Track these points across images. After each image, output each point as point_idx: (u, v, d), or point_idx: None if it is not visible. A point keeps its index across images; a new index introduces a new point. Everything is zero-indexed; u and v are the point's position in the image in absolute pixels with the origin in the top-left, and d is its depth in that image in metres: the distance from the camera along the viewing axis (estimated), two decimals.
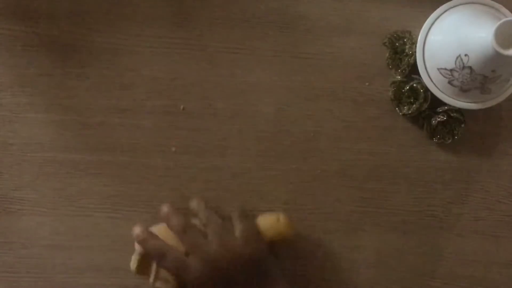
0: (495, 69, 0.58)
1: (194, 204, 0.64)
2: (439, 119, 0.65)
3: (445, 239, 0.68)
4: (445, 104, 0.64)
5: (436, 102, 0.65)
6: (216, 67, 0.66)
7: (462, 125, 0.66)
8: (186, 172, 0.66)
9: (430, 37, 0.63)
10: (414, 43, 0.64)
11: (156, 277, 0.62)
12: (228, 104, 0.66)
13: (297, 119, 0.66)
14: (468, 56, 0.58)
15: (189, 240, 0.61)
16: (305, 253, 0.67)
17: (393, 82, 0.66)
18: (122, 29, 0.65)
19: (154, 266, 0.62)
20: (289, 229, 0.64)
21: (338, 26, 0.66)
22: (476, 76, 0.59)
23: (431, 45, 0.63)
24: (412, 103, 0.65)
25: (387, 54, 0.66)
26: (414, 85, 0.65)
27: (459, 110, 0.65)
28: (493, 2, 0.63)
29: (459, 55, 0.59)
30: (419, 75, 0.64)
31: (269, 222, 0.64)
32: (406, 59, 0.65)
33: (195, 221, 0.63)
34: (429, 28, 0.63)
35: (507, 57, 0.54)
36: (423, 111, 0.65)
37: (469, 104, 0.63)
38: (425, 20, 0.63)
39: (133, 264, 0.62)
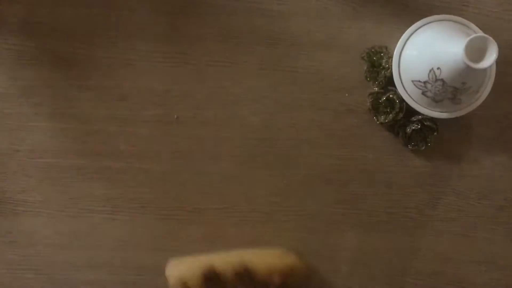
0: (465, 81, 0.57)
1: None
2: (413, 128, 0.63)
3: (419, 239, 0.66)
4: (419, 113, 0.63)
5: (410, 112, 0.63)
6: (207, 80, 0.64)
7: (435, 133, 0.64)
8: (179, 176, 0.65)
9: (405, 51, 0.62)
10: (390, 57, 0.63)
11: None
12: (218, 113, 0.64)
13: (282, 128, 0.65)
14: (440, 69, 0.56)
15: None
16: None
17: (371, 93, 0.64)
18: (120, 44, 0.64)
19: None
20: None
21: (320, 41, 0.64)
22: (448, 87, 0.58)
23: (406, 59, 0.61)
24: (388, 113, 0.63)
25: (365, 67, 0.64)
26: (390, 96, 0.63)
27: (432, 119, 0.63)
28: (463, 19, 0.62)
29: (432, 69, 0.57)
30: (395, 87, 0.62)
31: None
32: (383, 72, 0.63)
33: None
34: (404, 44, 0.62)
35: (476, 70, 0.53)
36: (399, 120, 0.64)
37: (441, 113, 0.62)
38: (401, 36, 0.62)
39: None
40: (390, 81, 0.63)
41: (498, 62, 0.55)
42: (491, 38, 0.53)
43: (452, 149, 0.66)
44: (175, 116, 0.64)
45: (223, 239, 0.65)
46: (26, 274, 0.65)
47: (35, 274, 0.65)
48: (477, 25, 0.61)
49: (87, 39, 0.63)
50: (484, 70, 0.55)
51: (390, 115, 0.63)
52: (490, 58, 0.53)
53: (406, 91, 0.62)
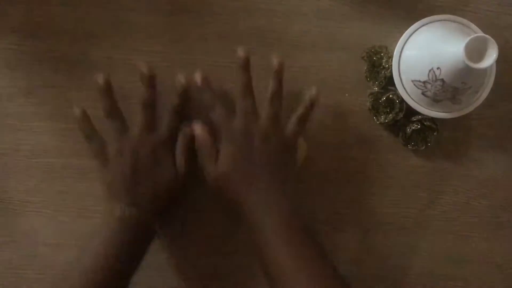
0: (465, 81, 0.57)
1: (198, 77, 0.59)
2: (413, 128, 0.63)
3: (419, 239, 0.66)
4: (419, 113, 0.63)
5: (410, 111, 0.63)
6: None
7: (435, 133, 0.64)
8: None
9: (405, 51, 0.62)
10: (390, 57, 0.63)
11: None
12: None
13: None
14: (440, 69, 0.56)
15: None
16: None
17: (371, 93, 0.64)
18: (120, 44, 0.63)
19: None
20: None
21: (320, 41, 0.64)
22: (447, 87, 0.58)
23: (406, 59, 0.61)
24: (388, 113, 0.63)
25: (365, 68, 0.64)
26: (390, 96, 0.63)
27: (432, 119, 0.63)
28: (463, 19, 0.61)
29: (432, 68, 0.57)
30: (395, 87, 0.62)
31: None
32: (383, 72, 0.63)
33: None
34: (404, 44, 0.62)
35: (476, 70, 0.53)
36: (399, 120, 0.64)
37: (441, 113, 0.62)
38: (401, 36, 0.62)
39: None
40: (390, 81, 0.63)
41: (498, 62, 0.54)
42: (491, 38, 0.53)
43: (452, 149, 0.66)
44: None
45: (222, 239, 0.65)
46: (26, 274, 0.64)
47: (35, 274, 0.64)
48: (477, 25, 0.61)
49: (87, 39, 0.63)
50: (484, 70, 0.55)
51: (390, 115, 0.63)
52: (490, 58, 0.53)
53: (406, 91, 0.62)
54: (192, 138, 0.60)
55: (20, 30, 0.63)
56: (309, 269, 0.54)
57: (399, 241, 0.66)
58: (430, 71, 0.57)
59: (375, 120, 0.64)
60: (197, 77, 0.59)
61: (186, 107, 0.61)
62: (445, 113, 0.62)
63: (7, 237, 0.64)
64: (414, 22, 0.61)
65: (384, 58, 0.63)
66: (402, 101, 0.63)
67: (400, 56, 0.62)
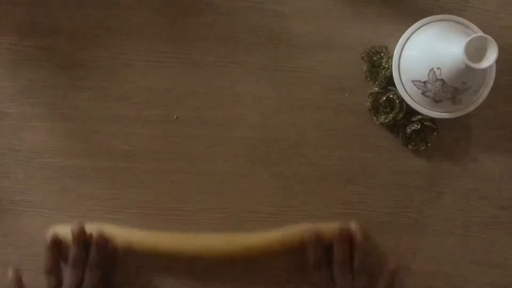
0: (465, 81, 0.57)
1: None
2: (413, 128, 0.63)
3: (419, 239, 0.66)
4: (419, 113, 0.63)
5: (410, 112, 0.63)
6: (207, 80, 0.64)
7: (435, 133, 0.64)
8: (179, 176, 0.64)
9: (405, 51, 0.62)
10: (390, 57, 0.63)
11: None
12: (218, 113, 0.64)
13: (282, 128, 0.64)
14: (440, 69, 0.56)
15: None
16: (292, 251, 0.64)
17: (371, 93, 0.64)
18: (120, 44, 0.63)
19: None
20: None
21: (320, 41, 0.64)
22: (448, 87, 0.58)
23: (406, 59, 0.61)
24: (388, 113, 0.63)
25: (365, 68, 0.64)
26: (390, 96, 0.63)
27: (432, 119, 0.63)
28: (463, 19, 0.61)
29: (432, 69, 0.57)
30: (395, 87, 0.62)
31: None
32: (383, 72, 0.63)
33: None
34: (404, 44, 0.62)
35: (476, 70, 0.53)
36: (399, 120, 0.64)
37: (441, 113, 0.62)
38: (401, 36, 0.62)
39: None
40: (390, 81, 0.63)
41: (498, 62, 0.54)
42: (491, 38, 0.53)
43: (452, 149, 0.65)
44: (175, 116, 0.64)
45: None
46: (26, 274, 0.63)
47: (35, 274, 0.63)
48: (477, 25, 0.61)
49: (87, 39, 0.63)
50: (484, 70, 0.55)
51: (390, 115, 0.63)
52: (490, 58, 0.53)
53: (406, 91, 0.62)
54: None
55: (20, 30, 0.63)
56: None
57: (399, 241, 0.65)
58: (430, 71, 0.57)
59: (375, 120, 0.64)
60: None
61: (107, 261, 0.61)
62: (445, 113, 0.62)
63: (7, 237, 0.64)
64: (414, 22, 0.61)
65: (384, 58, 0.63)
66: (402, 101, 0.62)
67: (400, 56, 0.62)
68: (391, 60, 0.62)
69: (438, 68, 0.56)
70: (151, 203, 0.64)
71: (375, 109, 0.64)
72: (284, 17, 0.64)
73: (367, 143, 0.65)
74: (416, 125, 0.63)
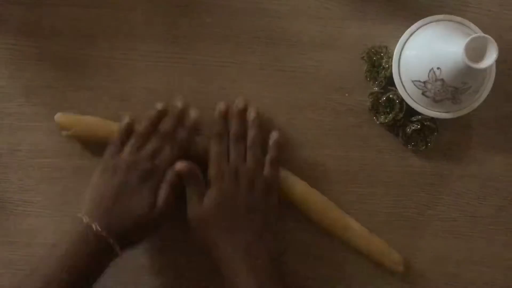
0: (465, 81, 0.57)
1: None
2: (413, 128, 0.63)
3: (419, 239, 0.66)
4: (419, 113, 0.63)
5: (410, 111, 0.63)
6: (207, 80, 0.64)
7: (435, 133, 0.64)
8: None
9: (405, 51, 0.62)
10: (390, 57, 0.63)
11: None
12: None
13: (282, 128, 0.64)
14: (440, 69, 0.56)
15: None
16: (293, 252, 0.65)
17: (371, 93, 0.64)
18: (120, 45, 0.63)
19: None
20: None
21: (320, 41, 0.64)
22: (448, 87, 0.58)
23: (406, 59, 0.61)
24: (388, 113, 0.63)
25: (365, 68, 0.64)
26: (390, 96, 0.63)
27: (432, 119, 0.63)
28: (463, 19, 0.61)
29: (432, 68, 0.57)
30: (395, 87, 0.62)
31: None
32: (383, 72, 0.63)
33: None
34: (404, 44, 0.62)
35: (476, 70, 0.53)
36: (399, 120, 0.64)
37: (441, 113, 0.62)
38: (401, 36, 0.62)
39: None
40: (390, 81, 0.63)
41: (498, 62, 0.54)
42: (491, 38, 0.53)
43: (452, 149, 0.65)
44: None
45: None
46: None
47: None
48: (477, 25, 0.61)
49: (87, 39, 0.63)
50: (484, 70, 0.55)
51: (390, 115, 0.63)
52: (490, 58, 0.53)
53: (406, 91, 0.62)
54: (181, 175, 0.59)
55: (20, 30, 0.63)
56: None
57: (398, 241, 0.65)
58: (430, 71, 0.57)
59: (375, 120, 0.64)
60: (222, 105, 0.61)
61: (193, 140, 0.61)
62: (445, 113, 0.62)
63: (7, 237, 0.64)
64: (414, 22, 0.61)
65: (384, 58, 0.63)
66: (402, 101, 0.62)
67: (400, 56, 0.62)
68: (391, 60, 0.62)
69: (438, 68, 0.56)
70: None
71: (375, 109, 0.64)
72: (284, 17, 0.64)
73: (367, 143, 0.65)
74: (416, 125, 0.63)
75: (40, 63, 0.63)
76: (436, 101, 0.60)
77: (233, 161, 0.60)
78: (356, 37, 0.64)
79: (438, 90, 0.58)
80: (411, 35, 0.62)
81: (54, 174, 0.64)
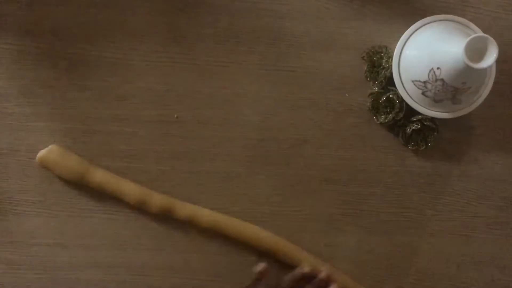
0: (465, 81, 0.57)
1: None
2: (413, 128, 0.63)
3: (419, 239, 0.66)
4: (419, 113, 0.63)
5: (410, 111, 0.63)
6: (207, 79, 0.64)
7: (435, 133, 0.64)
8: (178, 176, 0.64)
9: (405, 51, 0.62)
10: (390, 57, 0.63)
11: None
12: (218, 113, 0.64)
13: (282, 128, 0.64)
14: (440, 69, 0.56)
15: None
16: None
17: (371, 93, 0.64)
18: (120, 45, 0.63)
19: None
20: None
21: (320, 41, 0.64)
22: (448, 87, 0.58)
23: (406, 59, 0.61)
24: (388, 113, 0.63)
25: (365, 67, 0.64)
26: (390, 96, 0.63)
27: (432, 119, 0.63)
28: (463, 19, 0.61)
29: (432, 68, 0.57)
30: (395, 87, 0.62)
31: None
32: (383, 72, 0.63)
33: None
34: (404, 44, 0.62)
35: (476, 70, 0.53)
36: (399, 120, 0.64)
37: (441, 113, 0.62)
38: (401, 36, 0.62)
39: None
40: (390, 81, 0.63)
41: (498, 62, 0.54)
42: (491, 38, 0.53)
43: (452, 149, 0.65)
44: (175, 116, 0.64)
45: (223, 238, 0.65)
46: (26, 274, 0.64)
47: (35, 274, 0.64)
48: (477, 25, 0.61)
49: (87, 39, 0.63)
50: (484, 70, 0.55)
51: (390, 115, 0.63)
52: (490, 58, 0.53)
53: (406, 91, 0.62)
54: None
55: (20, 30, 0.63)
56: None
57: (399, 241, 0.66)
58: (430, 71, 0.57)
59: (375, 120, 0.64)
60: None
61: None
62: (445, 113, 0.62)
63: (7, 237, 0.64)
64: (414, 22, 0.61)
65: (384, 58, 0.63)
66: (402, 101, 0.62)
67: (400, 56, 0.62)
68: (391, 60, 0.62)
69: (438, 68, 0.56)
70: None
71: (375, 109, 0.64)
72: (284, 17, 0.64)
73: (367, 143, 0.65)
74: (416, 125, 0.63)
75: (40, 63, 0.63)
76: (436, 101, 0.60)
77: None
78: (356, 37, 0.64)
79: (438, 90, 0.58)
80: (411, 35, 0.62)
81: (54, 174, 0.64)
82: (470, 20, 0.61)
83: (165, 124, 0.64)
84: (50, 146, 0.62)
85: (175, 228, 0.64)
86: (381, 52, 0.63)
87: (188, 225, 0.64)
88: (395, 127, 0.64)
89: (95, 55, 0.63)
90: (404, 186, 0.65)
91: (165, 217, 0.64)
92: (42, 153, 0.62)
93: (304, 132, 0.64)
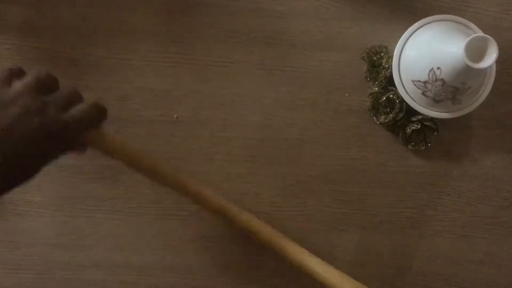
0: (465, 81, 0.57)
1: None
2: (413, 128, 0.63)
3: (419, 239, 0.66)
4: (419, 113, 0.63)
5: (411, 111, 0.63)
6: (207, 80, 0.64)
7: (435, 133, 0.64)
8: None
9: (405, 51, 0.62)
10: (390, 57, 0.63)
11: None
12: (218, 113, 0.64)
13: (282, 128, 0.64)
14: (440, 69, 0.56)
15: None
16: None
17: (371, 93, 0.64)
18: (120, 44, 0.63)
19: None
20: None
21: (320, 41, 0.64)
22: (448, 87, 0.58)
23: (406, 59, 0.61)
24: (388, 113, 0.63)
25: (365, 67, 0.64)
26: (390, 96, 0.63)
27: (432, 119, 0.63)
28: (463, 19, 0.61)
29: (432, 68, 0.57)
30: (395, 87, 0.62)
31: None
32: (383, 72, 0.63)
33: None
34: (404, 44, 0.62)
35: (476, 70, 0.53)
36: (399, 120, 0.64)
37: (442, 113, 0.62)
38: (401, 36, 0.62)
39: None
40: (390, 81, 0.63)
41: (498, 62, 0.54)
42: (491, 38, 0.53)
43: (452, 149, 0.65)
44: (175, 116, 0.64)
45: (223, 238, 0.65)
46: (26, 274, 0.64)
47: (35, 274, 0.64)
48: (477, 25, 0.61)
49: (87, 39, 0.63)
50: (484, 70, 0.55)
51: (390, 115, 0.63)
52: (490, 58, 0.53)
53: (406, 91, 0.62)
54: None
55: (20, 30, 0.63)
56: None
57: (399, 241, 0.66)
58: (430, 71, 0.57)
59: (375, 120, 0.64)
60: None
61: None
62: (445, 113, 0.62)
63: (7, 237, 0.64)
64: (414, 22, 0.61)
65: (384, 58, 0.63)
66: (402, 101, 0.62)
67: (400, 56, 0.62)
68: (391, 60, 0.62)
69: (438, 68, 0.56)
70: (151, 203, 0.64)
71: (375, 109, 0.64)
72: (284, 17, 0.64)
73: (367, 143, 0.65)
74: (416, 125, 0.63)
75: (40, 63, 0.63)
76: (436, 101, 0.60)
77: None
78: (356, 37, 0.64)
79: (438, 90, 0.58)
80: (411, 35, 0.62)
81: (54, 174, 0.64)
82: (470, 20, 0.61)
83: (165, 124, 0.64)
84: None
85: (175, 228, 0.64)
86: (381, 52, 0.63)
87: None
88: (395, 127, 0.64)
89: (95, 55, 0.63)
90: (404, 186, 0.65)
91: (165, 217, 0.64)
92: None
93: (304, 132, 0.64)
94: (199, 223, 0.65)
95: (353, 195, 0.65)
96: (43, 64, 0.63)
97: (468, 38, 0.52)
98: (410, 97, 0.62)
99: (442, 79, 0.57)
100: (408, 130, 0.63)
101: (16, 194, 0.64)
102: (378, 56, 0.63)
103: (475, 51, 0.53)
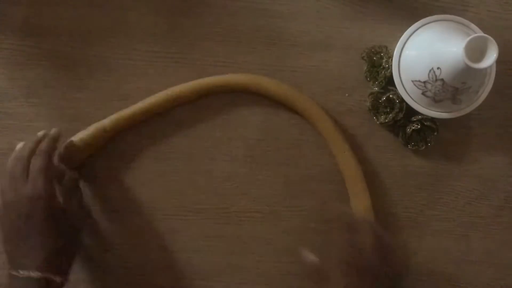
0: (465, 81, 0.57)
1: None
2: (413, 128, 0.63)
3: (419, 238, 0.66)
4: (419, 113, 0.63)
5: (410, 111, 0.63)
6: None
7: (435, 133, 0.64)
8: (178, 176, 0.64)
9: (405, 51, 0.62)
10: (390, 57, 0.63)
11: None
12: (218, 113, 0.64)
13: (283, 128, 0.64)
14: (440, 69, 0.56)
15: None
16: (289, 250, 0.65)
17: (371, 93, 0.64)
18: (120, 45, 0.63)
19: None
20: None
21: (320, 41, 0.64)
22: (448, 87, 0.58)
23: (406, 59, 0.61)
24: (388, 113, 0.63)
25: (365, 68, 0.64)
26: (390, 96, 0.63)
27: (432, 119, 0.63)
28: (463, 19, 0.61)
29: (432, 68, 0.57)
30: (395, 87, 0.62)
31: None
32: (383, 72, 0.63)
33: None
34: (404, 43, 0.62)
35: (476, 70, 0.53)
36: (399, 120, 0.64)
37: (441, 113, 0.62)
38: (401, 36, 0.62)
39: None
40: (390, 81, 0.63)
41: (498, 62, 0.54)
42: (491, 38, 0.53)
43: (452, 149, 0.65)
44: (175, 116, 0.64)
45: (223, 238, 0.65)
46: None
47: None
48: (477, 25, 0.61)
49: (87, 39, 0.63)
50: (484, 70, 0.55)
51: (390, 115, 0.63)
52: (490, 58, 0.53)
53: (406, 91, 0.62)
54: None
55: (20, 30, 0.63)
56: None
57: (399, 241, 0.65)
58: (430, 71, 0.57)
59: (375, 120, 0.64)
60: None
61: None
62: (445, 113, 0.62)
63: None
64: (414, 22, 0.61)
65: (384, 58, 0.63)
66: (402, 101, 0.62)
67: (400, 56, 0.62)
68: (391, 60, 0.62)
69: (438, 68, 0.56)
70: (151, 203, 0.64)
71: (375, 109, 0.64)
72: (284, 17, 0.64)
73: (367, 143, 0.65)
74: (416, 125, 0.63)
75: (40, 63, 0.63)
76: (436, 101, 0.60)
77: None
78: (356, 37, 0.64)
79: (438, 90, 0.58)
80: (411, 35, 0.62)
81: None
82: (470, 20, 0.61)
83: (165, 124, 0.64)
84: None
85: (176, 227, 0.64)
86: (381, 52, 0.63)
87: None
88: (395, 127, 0.64)
89: (95, 55, 0.63)
90: (404, 186, 0.65)
91: (166, 217, 0.64)
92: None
93: (305, 132, 0.64)
94: (199, 223, 0.65)
95: None
96: (43, 64, 0.63)
97: (468, 38, 0.52)
98: (410, 97, 0.62)
99: (442, 79, 0.57)
100: (408, 130, 0.63)
101: None
102: (378, 56, 0.63)
103: (475, 51, 0.53)
